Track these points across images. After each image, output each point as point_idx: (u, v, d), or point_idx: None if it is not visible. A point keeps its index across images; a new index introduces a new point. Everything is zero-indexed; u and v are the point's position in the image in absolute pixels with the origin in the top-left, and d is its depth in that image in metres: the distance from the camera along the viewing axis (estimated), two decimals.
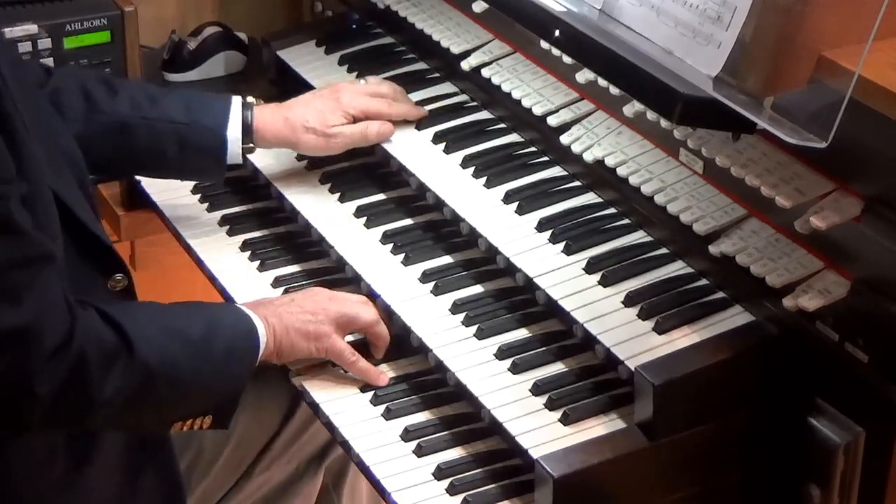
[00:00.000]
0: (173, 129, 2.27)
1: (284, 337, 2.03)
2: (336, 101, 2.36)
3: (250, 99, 2.36)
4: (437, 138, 2.40)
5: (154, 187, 2.58)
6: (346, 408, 2.04)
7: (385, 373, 2.08)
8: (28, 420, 1.81)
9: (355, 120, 2.36)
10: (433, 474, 1.91)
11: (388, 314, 2.14)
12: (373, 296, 2.17)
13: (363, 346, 2.12)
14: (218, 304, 2.18)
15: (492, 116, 2.44)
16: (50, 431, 1.91)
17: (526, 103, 2.32)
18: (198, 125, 2.29)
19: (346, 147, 2.38)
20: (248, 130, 2.32)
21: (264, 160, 2.52)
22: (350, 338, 2.11)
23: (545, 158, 2.31)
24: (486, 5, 2.36)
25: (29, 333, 1.75)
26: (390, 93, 2.44)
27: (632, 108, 2.12)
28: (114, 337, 1.85)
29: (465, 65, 2.46)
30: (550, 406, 1.91)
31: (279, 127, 2.34)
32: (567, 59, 2.22)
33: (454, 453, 1.95)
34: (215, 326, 1.97)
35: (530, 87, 2.34)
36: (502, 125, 2.42)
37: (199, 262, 2.38)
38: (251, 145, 2.34)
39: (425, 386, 2.07)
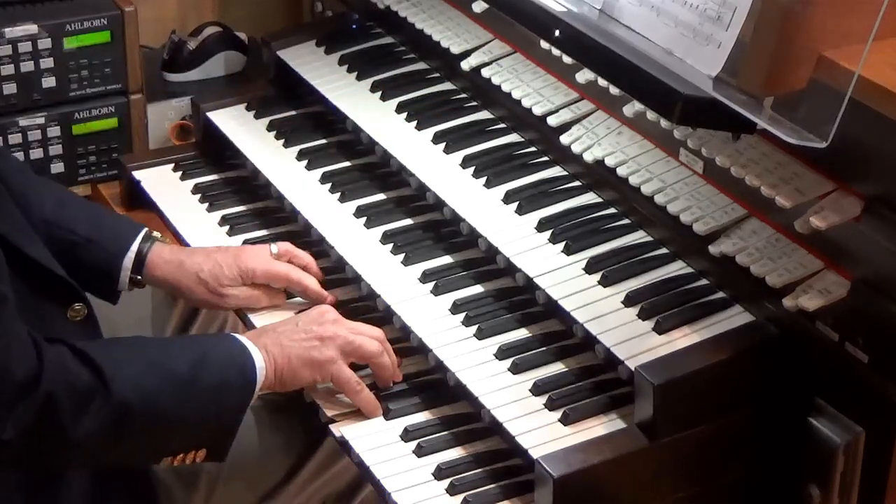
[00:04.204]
0: (70, 241, 2.14)
1: (286, 365, 1.98)
2: (236, 258, 2.21)
3: (156, 234, 2.25)
4: (437, 138, 2.40)
5: (154, 187, 2.58)
6: (346, 408, 2.03)
7: (382, 405, 2.03)
8: (1, 462, 1.80)
9: (252, 284, 2.22)
10: (433, 474, 1.91)
11: (388, 314, 2.14)
12: (373, 295, 2.17)
13: None
14: (212, 337, 2.13)
15: (492, 116, 2.44)
16: (28, 469, 1.88)
17: (526, 103, 2.32)
18: (98, 245, 2.17)
19: (235, 308, 2.23)
20: (140, 263, 2.19)
21: (264, 159, 2.53)
22: None
23: (545, 158, 2.31)
24: (486, 5, 2.36)
25: None
26: (309, 266, 2.28)
27: (632, 108, 2.12)
28: (88, 376, 1.80)
29: (465, 65, 2.46)
30: (550, 406, 1.91)
31: (172, 269, 2.20)
32: (567, 59, 2.22)
33: (454, 453, 1.95)
34: (205, 361, 1.91)
35: (530, 87, 2.35)
36: (502, 125, 2.42)
37: None
38: (139, 278, 2.20)
39: (425, 386, 2.07)
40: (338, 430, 2.00)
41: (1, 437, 1.74)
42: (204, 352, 1.94)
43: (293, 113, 2.68)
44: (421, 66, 2.62)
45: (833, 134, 1.65)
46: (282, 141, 2.58)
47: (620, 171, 2.13)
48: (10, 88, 2.72)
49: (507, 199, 2.22)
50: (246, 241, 2.40)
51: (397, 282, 2.18)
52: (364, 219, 2.33)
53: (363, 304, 2.22)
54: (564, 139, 2.24)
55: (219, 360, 1.94)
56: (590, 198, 2.22)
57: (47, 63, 2.73)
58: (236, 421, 1.95)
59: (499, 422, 1.90)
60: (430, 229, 2.29)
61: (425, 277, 2.18)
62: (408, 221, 2.33)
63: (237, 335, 2.01)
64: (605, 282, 2.03)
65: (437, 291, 2.15)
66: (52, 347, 1.80)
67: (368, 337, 2.04)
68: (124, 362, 1.86)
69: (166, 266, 2.20)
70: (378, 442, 1.97)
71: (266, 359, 1.97)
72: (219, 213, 2.50)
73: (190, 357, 1.91)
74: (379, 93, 2.55)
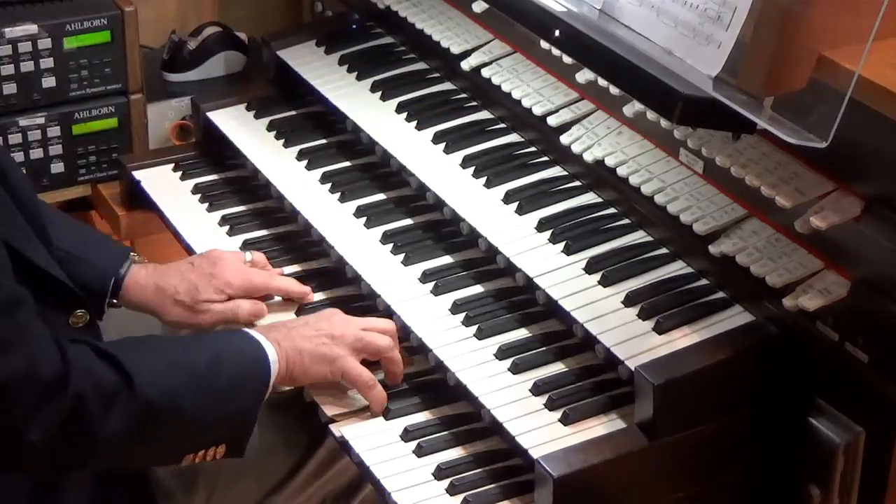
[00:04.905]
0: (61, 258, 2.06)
1: (297, 360, 1.98)
2: (210, 276, 2.19)
3: (133, 255, 2.22)
4: (437, 138, 2.40)
5: (154, 187, 2.58)
6: (346, 408, 2.04)
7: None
8: (27, 465, 1.80)
9: (230, 296, 2.20)
10: (433, 474, 1.91)
11: (388, 314, 2.14)
12: (373, 295, 2.17)
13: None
14: (225, 332, 2.13)
15: (492, 116, 2.44)
16: (54, 471, 1.88)
17: (526, 103, 2.32)
18: (89, 263, 2.15)
19: (214, 324, 2.20)
20: (117, 286, 2.18)
21: (264, 159, 2.53)
22: None
23: (545, 158, 2.31)
24: (486, 5, 2.36)
25: (18, 381, 1.72)
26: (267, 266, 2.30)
27: (632, 108, 2.12)
28: (112, 374, 1.81)
29: (465, 65, 2.46)
30: (550, 406, 1.91)
31: (149, 293, 2.18)
32: (567, 59, 2.22)
33: (454, 453, 1.95)
34: (221, 355, 1.92)
35: (530, 87, 2.34)
36: (502, 125, 2.42)
37: None
38: (115, 301, 2.18)
39: (425, 386, 2.07)
40: (338, 429, 2.00)
41: (29, 438, 1.75)
42: (220, 347, 1.95)
43: (293, 113, 2.68)
44: (421, 66, 2.62)
45: (833, 134, 1.65)
46: (282, 141, 2.58)
47: (620, 171, 2.13)
48: (10, 88, 2.72)
49: (507, 199, 2.22)
50: (246, 242, 2.41)
51: (397, 282, 2.18)
52: (364, 219, 2.33)
53: (363, 304, 2.22)
54: (564, 139, 2.24)
55: (235, 355, 1.95)
56: (590, 198, 2.22)
57: (47, 63, 2.73)
58: (254, 415, 1.95)
59: (499, 422, 1.90)
60: (430, 229, 2.29)
61: (425, 277, 2.18)
62: (408, 221, 2.33)
63: (249, 330, 2.02)
64: (605, 282, 2.03)
65: (437, 291, 2.15)
66: (74, 347, 1.81)
67: (379, 332, 2.05)
68: (146, 360, 1.86)
69: (142, 291, 2.18)
70: (378, 442, 1.97)
71: (278, 352, 1.97)
72: (219, 213, 2.50)
73: (207, 353, 1.92)
74: (379, 93, 2.55)
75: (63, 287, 1.95)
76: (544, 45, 2.28)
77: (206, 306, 2.18)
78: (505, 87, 2.37)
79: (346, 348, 2.01)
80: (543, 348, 2.02)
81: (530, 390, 1.94)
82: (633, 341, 1.92)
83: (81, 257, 2.14)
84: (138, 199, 2.63)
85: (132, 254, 2.22)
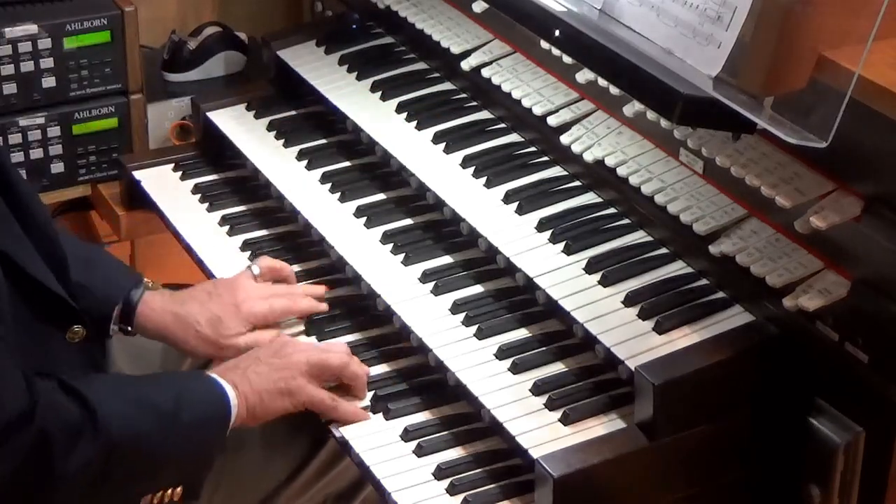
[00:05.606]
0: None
1: (256, 401, 1.96)
2: (236, 308, 2.14)
3: (146, 280, 2.16)
4: (437, 138, 2.40)
5: (154, 187, 2.58)
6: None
7: (367, 411, 2.02)
8: None
9: (253, 326, 2.15)
10: (433, 474, 1.91)
11: (388, 314, 2.14)
12: (373, 295, 2.17)
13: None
14: (187, 373, 2.12)
15: (492, 116, 2.44)
16: None
17: (526, 103, 2.32)
18: (91, 290, 2.07)
19: (237, 356, 2.11)
20: (129, 313, 2.12)
21: (264, 159, 2.53)
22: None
23: (545, 158, 2.31)
24: (486, 5, 2.36)
25: None
26: (289, 278, 2.27)
27: (632, 108, 2.12)
28: (77, 410, 1.79)
29: (465, 65, 2.46)
30: (550, 406, 1.91)
31: (167, 322, 2.12)
32: (567, 59, 2.22)
33: (454, 453, 1.95)
34: (184, 396, 1.90)
35: (530, 87, 2.34)
36: (502, 125, 2.42)
37: (199, 263, 2.39)
38: (129, 328, 2.13)
39: (425, 386, 2.07)
40: (338, 430, 2.00)
41: None
42: (183, 388, 1.93)
43: (293, 113, 2.68)
44: (421, 66, 2.62)
45: (833, 134, 1.65)
46: (282, 141, 2.58)
47: (620, 171, 2.13)
48: (10, 88, 2.72)
49: (507, 199, 2.22)
50: (246, 241, 2.41)
51: (397, 282, 2.18)
52: (364, 219, 2.33)
53: (363, 304, 2.22)
54: (564, 139, 2.24)
55: (198, 395, 1.93)
56: (590, 198, 2.22)
57: (47, 63, 2.73)
58: (213, 456, 1.94)
59: (499, 422, 1.90)
60: (430, 229, 2.29)
61: (425, 277, 2.18)
62: (408, 221, 2.33)
63: (209, 372, 1.99)
64: (605, 282, 2.03)
65: (437, 291, 2.15)
66: (41, 382, 1.79)
67: (331, 352, 2.03)
68: (111, 397, 1.84)
69: (159, 319, 2.13)
70: (378, 442, 1.97)
71: (237, 394, 1.95)
72: (219, 213, 2.50)
73: (171, 393, 1.90)
74: (379, 93, 2.55)
75: (60, 301, 1.93)
76: (544, 45, 2.28)
77: (231, 341, 2.12)
78: (505, 87, 2.37)
79: (303, 377, 1.99)
80: (543, 348, 2.02)
81: (530, 390, 1.94)
82: (633, 341, 1.92)
83: (83, 284, 2.06)
84: (138, 199, 2.64)
85: (146, 280, 2.17)
